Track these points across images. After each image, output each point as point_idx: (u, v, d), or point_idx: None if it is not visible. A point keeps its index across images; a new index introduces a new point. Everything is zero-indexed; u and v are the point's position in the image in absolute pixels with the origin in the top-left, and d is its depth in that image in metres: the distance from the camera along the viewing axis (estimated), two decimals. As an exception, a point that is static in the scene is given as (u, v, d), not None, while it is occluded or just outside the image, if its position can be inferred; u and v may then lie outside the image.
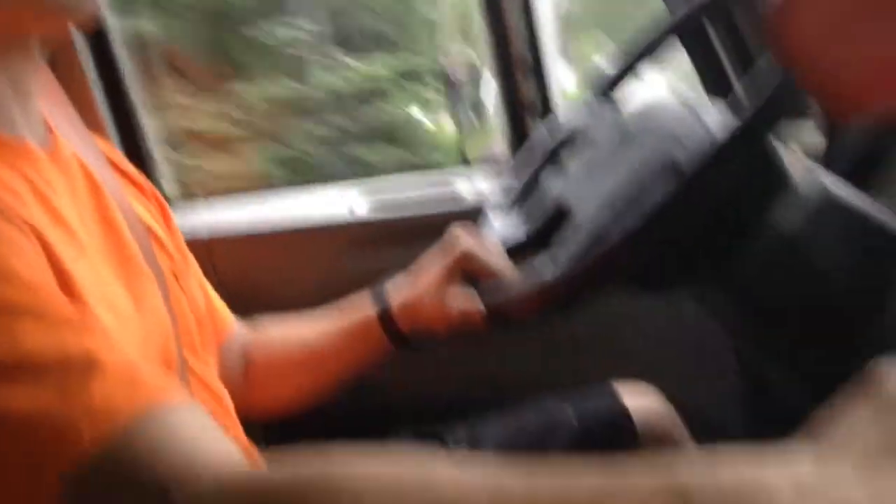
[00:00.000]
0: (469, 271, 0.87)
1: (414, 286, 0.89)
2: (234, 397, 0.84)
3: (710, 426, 1.15)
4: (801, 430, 0.43)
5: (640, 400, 1.04)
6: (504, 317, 0.81)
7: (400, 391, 1.30)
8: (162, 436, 0.44)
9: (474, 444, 0.97)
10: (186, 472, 0.43)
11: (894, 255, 0.76)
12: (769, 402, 0.98)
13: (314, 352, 0.93)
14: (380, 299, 0.91)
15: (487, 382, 1.32)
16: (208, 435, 0.46)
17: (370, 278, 1.02)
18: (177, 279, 0.76)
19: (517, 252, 0.90)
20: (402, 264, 0.97)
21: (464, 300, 0.84)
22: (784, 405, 0.92)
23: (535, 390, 1.10)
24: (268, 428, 1.09)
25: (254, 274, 1.43)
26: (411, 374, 1.27)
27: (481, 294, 0.84)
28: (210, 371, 0.79)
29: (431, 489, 0.39)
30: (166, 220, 0.83)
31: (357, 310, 0.92)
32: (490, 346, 1.29)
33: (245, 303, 1.04)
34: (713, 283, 0.80)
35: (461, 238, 0.88)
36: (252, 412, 0.93)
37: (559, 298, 0.73)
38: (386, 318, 0.89)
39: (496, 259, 0.86)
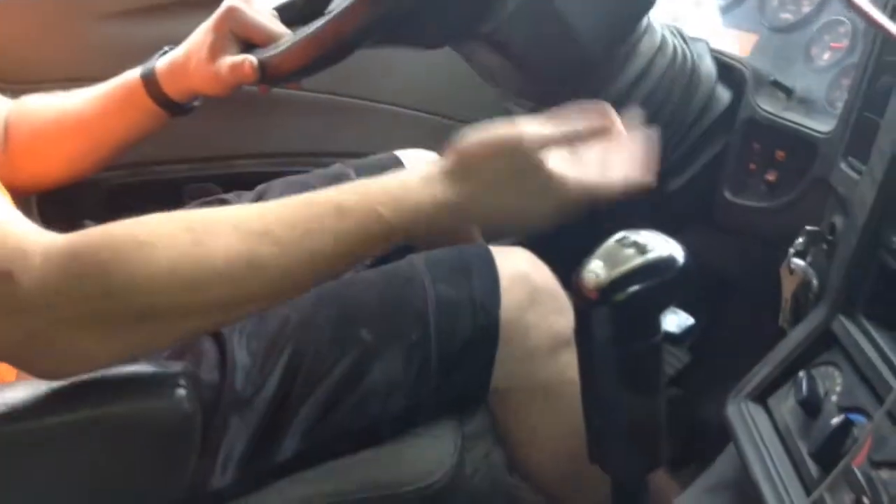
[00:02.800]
0: (239, 34, 0.85)
1: (181, 48, 0.88)
2: None
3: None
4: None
5: (417, 159, 1.10)
6: (275, 72, 0.81)
7: (186, 164, 1.29)
8: None
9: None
10: (15, 252, 0.52)
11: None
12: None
13: (80, 119, 0.91)
14: (147, 64, 0.89)
15: (275, 154, 1.33)
16: (10, 217, 0.55)
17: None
18: None
19: (291, 17, 0.90)
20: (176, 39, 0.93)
21: (234, 56, 0.83)
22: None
23: (322, 160, 1.13)
24: (41, 202, 1.07)
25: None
26: (196, 148, 1.26)
27: (253, 52, 0.83)
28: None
29: (189, 218, 0.52)
30: None
31: (123, 77, 0.90)
32: (274, 118, 1.29)
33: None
34: (478, 41, 0.84)
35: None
36: (21, 185, 0.91)
37: (327, 49, 0.74)
38: (150, 80, 0.88)
39: (266, 18, 0.85)
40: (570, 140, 0.63)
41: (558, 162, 0.62)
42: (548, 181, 0.62)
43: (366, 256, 0.62)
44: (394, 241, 0.61)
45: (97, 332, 0.54)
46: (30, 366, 0.56)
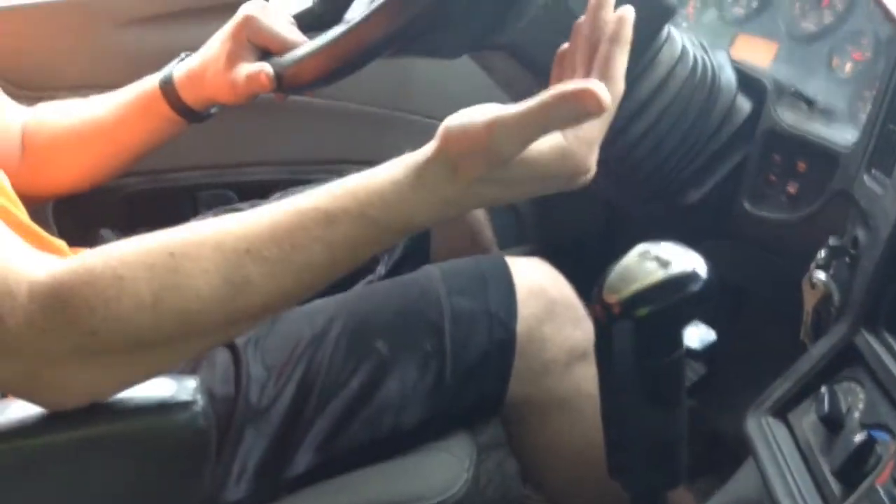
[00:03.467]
0: (256, 42, 0.85)
1: (198, 56, 0.88)
2: (14, 177, 0.81)
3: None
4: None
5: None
6: (292, 81, 0.80)
7: (201, 171, 1.29)
8: None
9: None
10: (3, 294, 0.51)
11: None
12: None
13: (98, 127, 0.91)
14: (165, 72, 0.90)
15: (292, 161, 1.33)
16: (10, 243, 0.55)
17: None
18: None
19: (309, 23, 0.90)
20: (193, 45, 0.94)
21: (250, 65, 0.83)
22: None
23: (338, 167, 1.13)
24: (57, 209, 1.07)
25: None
26: (212, 155, 1.27)
27: (270, 61, 0.83)
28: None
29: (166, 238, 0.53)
30: None
31: (141, 84, 0.91)
32: (291, 125, 1.29)
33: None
34: (498, 51, 0.84)
35: (246, 7, 0.86)
36: (38, 193, 0.92)
37: (346, 60, 0.74)
38: (168, 89, 0.88)
39: (283, 26, 0.85)
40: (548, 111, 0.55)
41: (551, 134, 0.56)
42: (545, 155, 0.56)
43: (361, 260, 0.59)
44: (388, 243, 0.60)
45: (92, 367, 0.54)
46: (36, 400, 0.55)
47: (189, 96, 0.88)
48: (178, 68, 0.89)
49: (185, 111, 0.89)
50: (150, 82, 0.90)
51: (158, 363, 0.56)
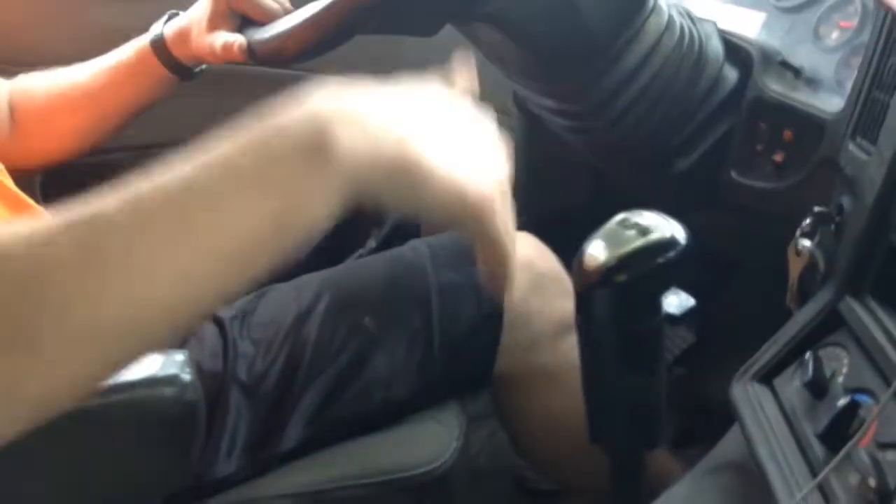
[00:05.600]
0: (237, 8, 0.85)
1: (187, 14, 0.89)
2: (4, 149, 0.83)
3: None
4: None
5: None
6: (266, 56, 0.80)
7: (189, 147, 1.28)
8: None
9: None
10: None
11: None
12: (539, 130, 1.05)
13: (88, 90, 0.91)
14: (155, 29, 0.90)
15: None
16: None
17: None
18: None
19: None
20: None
21: (227, 34, 0.83)
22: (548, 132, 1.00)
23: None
24: (45, 183, 1.06)
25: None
26: (201, 130, 1.26)
27: (248, 31, 0.83)
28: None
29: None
30: None
31: (130, 45, 0.91)
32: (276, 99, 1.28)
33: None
34: (482, 21, 0.83)
35: None
36: (29, 163, 0.91)
37: (322, 36, 0.74)
38: (159, 45, 0.89)
39: None
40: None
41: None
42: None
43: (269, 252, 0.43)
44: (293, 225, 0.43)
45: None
46: None
47: (179, 52, 0.89)
48: (169, 26, 0.89)
49: (176, 67, 0.89)
50: (140, 42, 0.90)
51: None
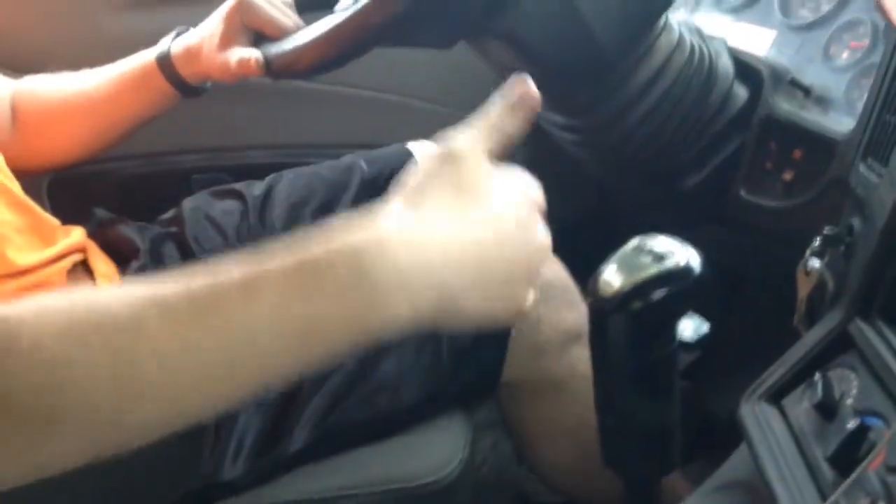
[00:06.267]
0: (251, 25, 0.86)
1: (197, 32, 0.89)
2: (5, 150, 0.83)
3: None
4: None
5: (430, 149, 1.10)
6: (282, 70, 0.81)
7: (197, 155, 1.29)
8: None
9: (270, 196, 1.00)
10: None
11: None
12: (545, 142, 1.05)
13: (91, 99, 0.91)
14: (162, 46, 0.90)
15: (287, 145, 1.33)
16: None
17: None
18: None
19: (307, 4, 0.90)
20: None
21: (242, 49, 0.84)
22: (554, 145, 1.00)
23: (334, 151, 1.13)
24: (52, 189, 1.07)
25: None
26: (207, 138, 1.27)
27: (263, 46, 0.84)
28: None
29: (99, 308, 0.39)
30: None
31: (136, 58, 0.91)
32: (286, 109, 1.29)
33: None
34: (494, 38, 0.83)
35: None
36: (31, 166, 0.92)
37: (336, 52, 0.74)
38: (165, 62, 0.89)
39: (278, 10, 0.85)
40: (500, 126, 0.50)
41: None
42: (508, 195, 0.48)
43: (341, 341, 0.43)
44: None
45: None
46: None
47: (185, 70, 0.89)
48: (176, 43, 0.89)
49: (180, 84, 0.90)
50: (147, 56, 0.90)
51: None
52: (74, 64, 0.97)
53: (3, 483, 0.40)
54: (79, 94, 0.92)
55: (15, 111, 0.93)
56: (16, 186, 0.82)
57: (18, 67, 1.16)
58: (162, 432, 0.42)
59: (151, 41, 0.93)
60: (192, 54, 0.88)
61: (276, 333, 0.40)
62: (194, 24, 0.91)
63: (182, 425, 0.42)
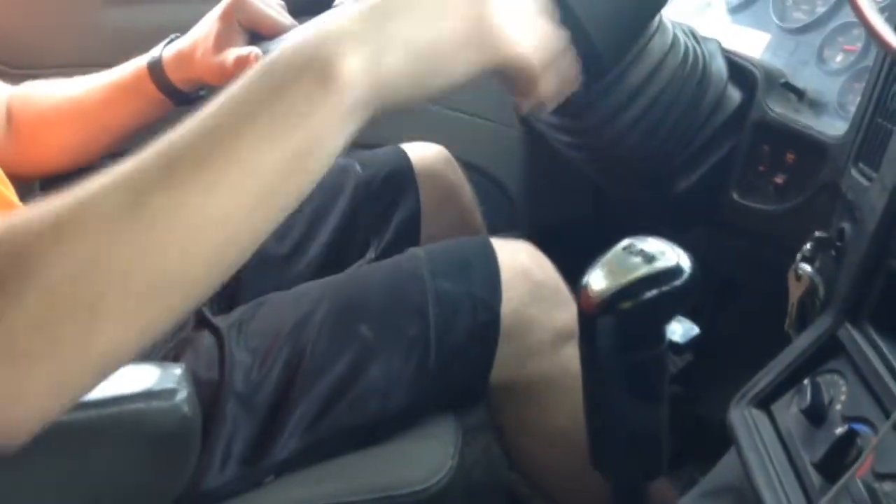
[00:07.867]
0: (246, 25, 0.85)
1: (189, 36, 0.88)
2: (1, 154, 0.83)
3: (493, 181, 1.26)
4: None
5: (423, 152, 1.09)
6: None
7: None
8: None
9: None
10: None
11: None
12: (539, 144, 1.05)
13: (83, 106, 0.91)
14: (154, 52, 0.89)
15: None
16: None
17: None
18: None
19: (300, 7, 0.89)
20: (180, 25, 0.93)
21: (239, 48, 0.83)
22: (549, 147, 1.00)
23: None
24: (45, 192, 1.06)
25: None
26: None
27: (261, 45, 0.83)
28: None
29: (101, 191, 0.42)
30: None
31: (129, 65, 0.91)
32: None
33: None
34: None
35: None
36: (24, 171, 0.91)
37: None
38: (156, 69, 0.88)
39: (273, 9, 0.85)
40: None
41: None
42: None
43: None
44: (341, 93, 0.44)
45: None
46: None
47: (176, 76, 0.88)
48: (168, 49, 0.88)
49: (172, 91, 0.89)
50: (138, 63, 0.89)
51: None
52: (70, 59, 0.97)
53: (73, 389, 0.41)
54: (69, 101, 0.91)
55: (10, 116, 0.92)
56: (9, 190, 0.81)
57: (14, 63, 1.16)
58: (206, 293, 0.43)
59: (147, 36, 0.92)
60: (184, 59, 0.87)
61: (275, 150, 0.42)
62: (190, 19, 0.90)
63: (221, 277, 0.43)
